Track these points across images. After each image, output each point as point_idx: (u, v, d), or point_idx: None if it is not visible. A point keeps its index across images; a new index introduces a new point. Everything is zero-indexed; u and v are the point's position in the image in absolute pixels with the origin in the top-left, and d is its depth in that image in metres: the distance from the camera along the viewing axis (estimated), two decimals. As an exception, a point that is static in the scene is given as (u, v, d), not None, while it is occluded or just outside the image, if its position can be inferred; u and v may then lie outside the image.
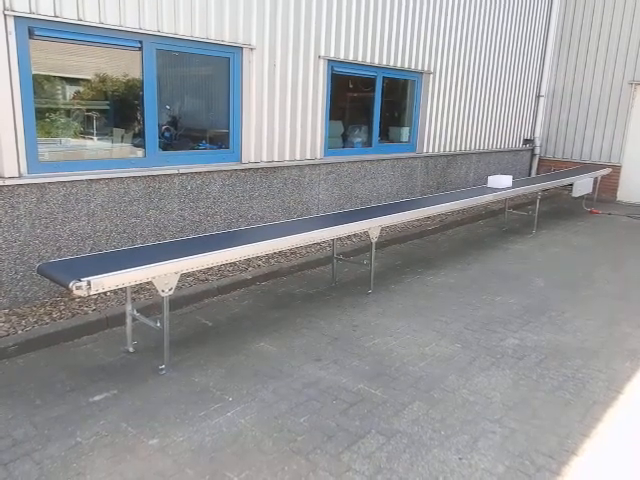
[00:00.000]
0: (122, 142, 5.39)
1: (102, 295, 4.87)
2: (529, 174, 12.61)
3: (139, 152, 5.40)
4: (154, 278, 3.55)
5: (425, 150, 9.10)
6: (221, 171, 6.01)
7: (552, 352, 4.34)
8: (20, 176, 4.48)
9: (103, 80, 5.15)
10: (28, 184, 4.52)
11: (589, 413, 3.47)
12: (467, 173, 10.33)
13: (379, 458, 2.95)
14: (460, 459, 2.97)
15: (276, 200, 6.74)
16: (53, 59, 4.77)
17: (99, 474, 2.76)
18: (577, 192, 9.25)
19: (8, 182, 4.38)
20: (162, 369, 3.80)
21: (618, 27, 11.27)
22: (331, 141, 7.55)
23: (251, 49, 6.01)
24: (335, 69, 7.21)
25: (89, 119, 5.18)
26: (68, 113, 5.00)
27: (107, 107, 5.30)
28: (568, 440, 3.18)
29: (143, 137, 5.36)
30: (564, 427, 3.30)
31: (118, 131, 5.38)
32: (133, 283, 3.46)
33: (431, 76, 8.79)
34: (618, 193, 11.74)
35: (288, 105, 6.62)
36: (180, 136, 5.94)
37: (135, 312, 4.06)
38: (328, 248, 6.77)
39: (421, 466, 2.90)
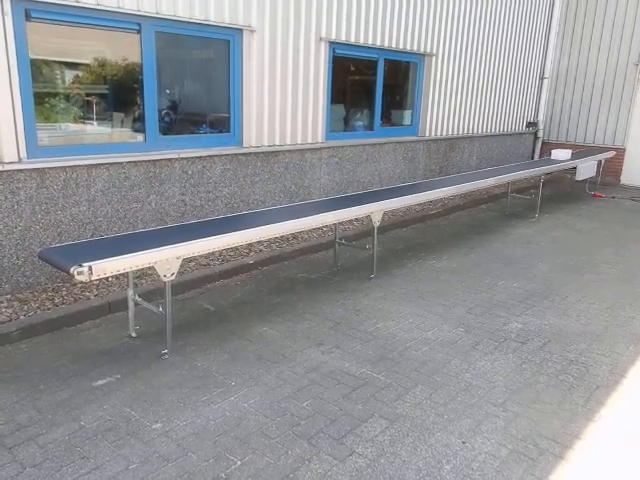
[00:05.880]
0: (122, 127, 5.34)
1: (104, 280, 4.87)
2: (532, 157, 12.53)
3: (139, 137, 5.36)
4: (156, 263, 3.53)
5: (427, 133, 9.02)
6: (222, 155, 5.97)
7: (555, 336, 4.33)
8: (20, 161, 4.44)
9: (102, 64, 5.09)
10: (28, 169, 4.48)
11: (593, 397, 3.47)
12: (470, 157, 10.26)
13: (382, 442, 2.96)
14: (463, 443, 2.97)
15: (277, 184, 6.70)
16: (51, 43, 4.70)
17: (103, 458, 2.77)
18: (580, 175, 9.19)
19: (8, 167, 4.35)
20: (165, 354, 3.80)
21: (623, 7, 11.10)
22: (333, 125, 7.49)
23: (251, 31, 5.93)
24: (336, 51, 7.12)
25: (88, 104, 5.12)
26: (67, 98, 4.94)
27: (106, 91, 5.24)
28: (571, 424, 3.18)
29: (143, 121, 5.31)
30: (567, 411, 3.30)
31: (118, 116, 5.33)
32: (135, 268, 3.44)
33: (433, 58, 8.68)
34: (622, 176, 11.66)
35: (289, 88, 6.55)
36: (180, 120, 5.89)
37: (137, 297, 4.06)
38: (330, 233, 6.74)
39: (424, 450, 2.91)
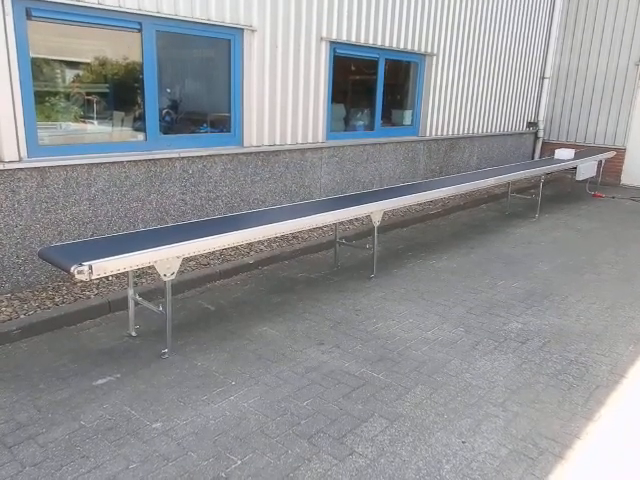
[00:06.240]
0: (122, 126, 5.34)
1: (104, 279, 4.87)
2: (532, 157, 12.52)
3: (140, 136, 5.36)
4: (156, 262, 3.53)
5: (428, 133, 9.02)
6: (222, 155, 5.97)
7: (555, 336, 4.33)
8: (20, 160, 4.44)
9: (103, 63, 5.09)
10: (28, 168, 4.48)
11: (592, 397, 3.47)
12: (470, 157, 10.25)
13: (382, 441, 2.96)
14: (463, 442, 2.97)
15: (278, 184, 6.70)
16: (52, 41, 4.70)
17: (103, 457, 2.77)
18: (581, 175, 9.19)
19: (8, 166, 4.35)
20: (165, 353, 3.80)
21: (624, 6, 11.09)
22: (333, 124, 7.49)
23: (252, 31, 5.92)
24: (337, 51, 7.12)
25: (89, 103, 5.12)
26: (68, 97, 4.94)
27: (107, 90, 5.24)
28: (571, 424, 3.18)
29: (144, 121, 5.31)
30: (567, 411, 3.30)
31: (118, 115, 5.33)
32: (135, 267, 3.44)
33: (434, 58, 8.68)
34: (622, 176, 11.66)
35: (290, 88, 6.55)
36: (181, 120, 5.89)
37: (137, 296, 4.06)
38: (330, 232, 6.74)
39: (424, 449, 2.91)
